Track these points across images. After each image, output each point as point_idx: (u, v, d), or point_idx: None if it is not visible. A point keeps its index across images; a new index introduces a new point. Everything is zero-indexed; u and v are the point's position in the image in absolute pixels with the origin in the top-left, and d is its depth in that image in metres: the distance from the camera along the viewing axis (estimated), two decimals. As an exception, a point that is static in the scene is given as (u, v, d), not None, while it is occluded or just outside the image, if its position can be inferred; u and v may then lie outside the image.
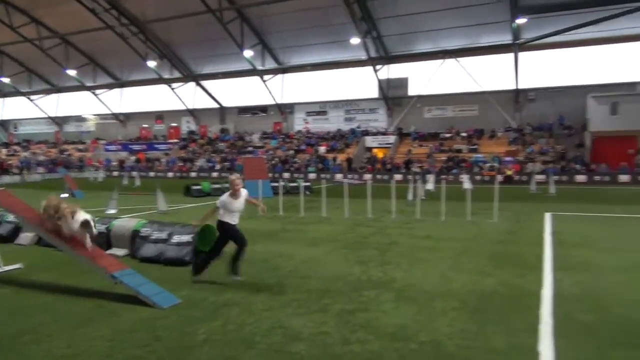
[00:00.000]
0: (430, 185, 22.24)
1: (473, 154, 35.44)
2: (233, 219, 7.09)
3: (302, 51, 41.55)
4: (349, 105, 44.06)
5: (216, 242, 7.18)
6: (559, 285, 6.95)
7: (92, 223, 6.57)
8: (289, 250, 9.46)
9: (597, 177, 29.62)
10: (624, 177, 29.26)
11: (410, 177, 25.94)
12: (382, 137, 40.97)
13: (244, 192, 7.19)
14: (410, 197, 18.36)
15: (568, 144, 34.47)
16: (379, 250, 9.44)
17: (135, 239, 8.97)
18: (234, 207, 7.07)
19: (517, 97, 38.28)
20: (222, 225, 7.08)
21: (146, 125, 52.27)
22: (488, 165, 32.82)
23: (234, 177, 7.19)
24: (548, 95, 37.62)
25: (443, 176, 29.30)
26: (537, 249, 9.53)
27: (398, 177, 30.88)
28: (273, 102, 45.79)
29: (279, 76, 44.51)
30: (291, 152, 41.43)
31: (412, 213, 14.59)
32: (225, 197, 7.10)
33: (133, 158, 47.38)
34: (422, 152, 37.45)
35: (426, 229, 12.01)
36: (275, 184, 21.30)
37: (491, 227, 12.24)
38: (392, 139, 40.19)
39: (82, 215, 6.57)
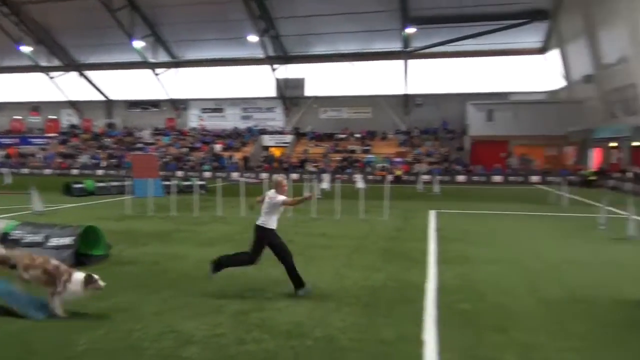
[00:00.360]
0: (325, 185, 22.78)
1: (366, 155, 36.89)
2: (274, 224, 6.60)
3: (198, 46, 40.31)
4: (246, 104, 43.64)
5: (256, 247, 6.53)
6: (442, 277, 7.48)
7: None
8: (182, 252, 9.13)
9: (475, 178, 32.36)
10: (497, 178, 32.31)
11: (306, 176, 26.34)
12: (279, 136, 41.12)
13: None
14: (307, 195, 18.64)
15: (451, 147, 37.26)
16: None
17: (4, 242, 8.07)
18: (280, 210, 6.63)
19: (407, 101, 40.57)
20: (264, 230, 6.51)
21: (19, 117, 47.32)
22: (380, 165, 34.37)
23: (281, 177, 6.86)
24: (433, 101, 40.35)
25: (338, 175, 30.18)
26: (422, 244, 10.17)
27: (294, 176, 31.20)
28: (166, 97, 43.87)
29: (173, 70, 42.76)
30: (185, 149, 40.02)
31: (307, 212, 14.77)
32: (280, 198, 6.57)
33: (2, 153, 42.65)
34: (318, 151, 38.19)
35: (321, 227, 12.25)
36: (168, 183, 20.49)
37: (382, 225, 12.81)
38: (289, 138, 40.51)
39: None
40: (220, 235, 11.01)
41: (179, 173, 34.73)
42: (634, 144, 26.73)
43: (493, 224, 13.24)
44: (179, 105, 44.28)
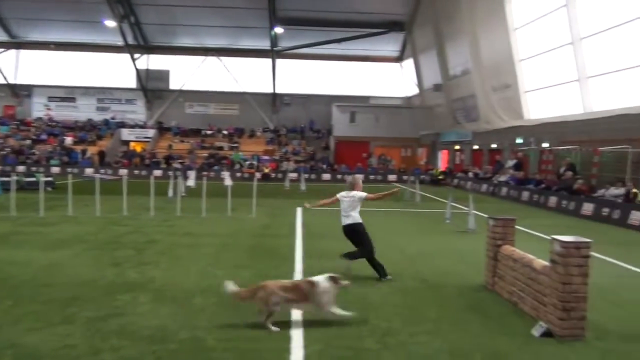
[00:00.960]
0: (191, 182, 22.05)
1: (234, 152, 36.50)
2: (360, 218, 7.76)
3: (45, 26, 36.21)
4: (103, 94, 40.40)
5: (364, 238, 7.60)
6: (308, 271, 7.69)
7: None
8: (24, 256, 8.13)
9: (339, 176, 33.83)
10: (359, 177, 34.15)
11: (170, 173, 25.21)
12: (140, 130, 38.81)
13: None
14: (170, 193, 17.99)
15: (316, 146, 38.51)
16: (135, 249, 8.91)
17: None
18: None
19: (274, 100, 41.00)
20: (360, 225, 7.79)
21: None
22: (248, 162, 34.25)
23: (358, 177, 8.08)
24: (301, 101, 41.35)
25: (204, 172, 29.40)
26: (290, 240, 10.36)
27: (158, 173, 29.69)
28: (3, 82, 38.73)
29: (12, 51, 37.91)
30: (28, 141, 35.73)
31: (172, 210, 14.24)
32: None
33: None
34: (183, 147, 36.85)
35: (187, 226, 11.86)
36: (6, 179, 18.11)
37: (250, 222, 12.79)
38: (151, 132, 38.42)
39: None
40: (71, 236, 10.05)
41: (21, 168, 30.90)
42: (474, 147, 30.25)
43: (384, 220, 13.99)
44: (20, 92, 39.40)
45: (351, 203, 7.58)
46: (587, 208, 15.82)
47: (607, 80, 18.99)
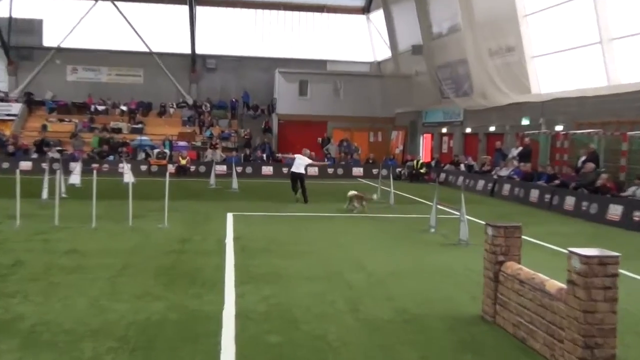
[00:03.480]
0: (75, 178, 21.45)
1: (137, 136, 35.85)
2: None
3: None
4: (-57, 52, 38.76)
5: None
6: (243, 302, 7.63)
7: None
8: None
9: (284, 169, 33.76)
10: (313, 170, 34.27)
11: (45, 165, 24.46)
12: (1, 104, 37.54)
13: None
14: (45, 194, 17.67)
15: (253, 128, 38.40)
16: (-6, 275, 8.60)
17: None
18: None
19: (194, 64, 40.57)
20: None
21: None
22: (157, 151, 33.70)
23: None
24: (231, 66, 41.12)
25: (94, 165, 28.66)
26: (217, 259, 10.27)
27: (26, 165, 28.71)
28: None
29: None
30: None
31: (48, 218, 13.91)
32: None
33: None
34: (63, 129, 36.00)
35: (69, 241, 11.62)
36: None
37: (160, 235, 12.62)
38: (16, 108, 37.36)
39: None
40: None
41: None
42: (466, 130, 30.97)
43: (308, 230, 14.05)
44: None
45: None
46: (614, 211, 16.46)
47: (637, 43, 19.76)
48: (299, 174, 19.55)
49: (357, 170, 33.50)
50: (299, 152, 21.34)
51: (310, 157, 20.25)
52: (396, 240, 12.97)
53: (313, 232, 13.82)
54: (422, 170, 31.15)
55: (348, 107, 37.48)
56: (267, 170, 33.12)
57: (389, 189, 20.59)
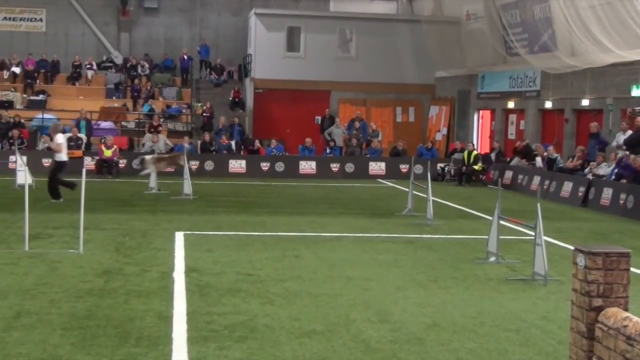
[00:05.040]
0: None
1: (37, 113, 35.79)
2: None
3: None
4: None
5: None
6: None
7: None
8: None
9: (264, 164, 33.78)
10: (307, 165, 34.23)
11: None
12: None
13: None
14: None
15: (217, 101, 38.36)
16: None
17: None
18: None
19: (124, 2, 40.46)
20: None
21: None
22: (67, 136, 33.67)
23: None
24: (182, 5, 41.06)
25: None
26: (160, 303, 10.22)
27: None
28: None
29: None
30: None
31: None
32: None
33: None
34: None
35: None
36: None
37: (72, 265, 12.59)
38: None
39: None
40: None
41: None
42: (546, 105, 30.92)
43: (300, 258, 14.01)
44: None
45: None
46: None
47: None
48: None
49: (377, 167, 33.46)
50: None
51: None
52: (436, 274, 12.90)
53: (308, 260, 13.77)
54: (476, 167, 31.06)
55: (363, 69, 37.47)
56: (238, 165, 33.07)
57: (424, 196, 20.54)
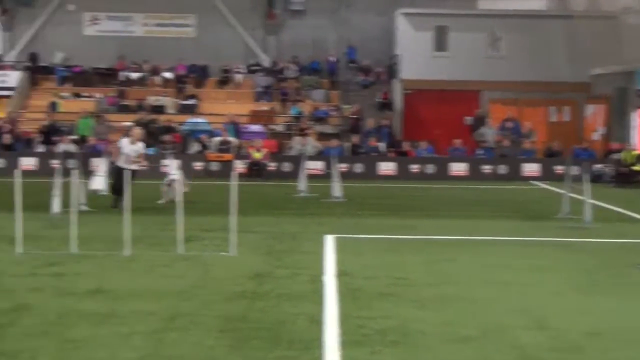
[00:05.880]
0: (99, 182, 22.24)
1: (188, 117, 36.63)
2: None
3: None
4: None
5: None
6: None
7: None
8: None
9: (414, 167, 33.66)
10: (458, 167, 33.95)
11: (56, 163, 25.42)
12: (-10, 73, 39.51)
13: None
14: (56, 207, 18.05)
15: (365, 103, 38.44)
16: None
17: None
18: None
19: (271, 6, 41.01)
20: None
21: None
22: (218, 139, 34.36)
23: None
24: (328, 6, 41.31)
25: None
26: (312, 306, 10.27)
27: (29, 162, 30.11)
28: None
29: None
30: None
31: (61, 241, 14.43)
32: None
33: None
34: (81, 108, 37.06)
35: (93, 276, 11.94)
36: None
37: (225, 268, 12.82)
38: (13, 78, 39.00)
39: None
40: None
41: None
42: None
43: (453, 262, 13.88)
44: None
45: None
46: None
47: None
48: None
49: (531, 168, 32.95)
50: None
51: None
52: (596, 280, 12.57)
53: (461, 264, 13.64)
54: (636, 168, 30.27)
55: (513, 67, 36.88)
56: (387, 168, 33.10)
57: (581, 198, 20.07)
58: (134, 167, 19.46)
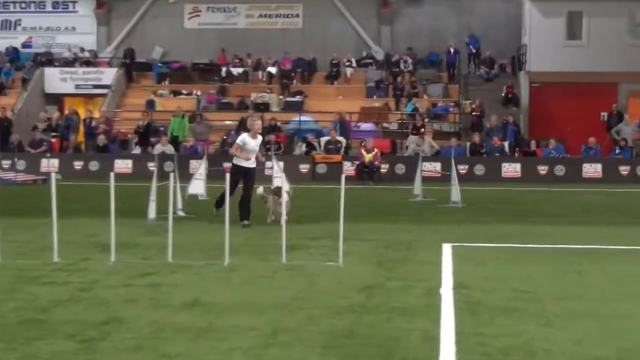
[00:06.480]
0: (198, 186, 22.55)
1: (294, 115, 36.89)
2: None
3: None
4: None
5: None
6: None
7: None
8: None
9: (541, 168, 33.23)
10: (592, 168, 33.36)
11: (153, 166, 25.90)
12: (86, 69, 40.45)
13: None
14: (152, 212, 18.48)
15: (487, 97, 38.14)
16: (77, 340, 9.24)
17: None
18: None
19: (385, -8, 41.10)
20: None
21: None
22: (326, 139, 34.55)
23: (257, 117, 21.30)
24: (447, -7, 41.18)
25: (227, 164, 29.94)
26: (427, 322, 10.21)
27: (124, 165, 30.78)
28: None
29: None
30: None
31: (157, 250, 14.80)
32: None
33: None
34: (179, 107, 37.69)
35: (190, 287, 12.13)
36: None
37: (332, 279, 12.85)
38: (109, 75, 39.91)
39: None
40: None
41: None
42: None
43: (584, 274, 13.66)
44: None
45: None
46: None
47: None
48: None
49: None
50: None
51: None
52: None
53: (593, 277, 13.45)
54: None
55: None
56: (512, 169, 32.80)
57: None
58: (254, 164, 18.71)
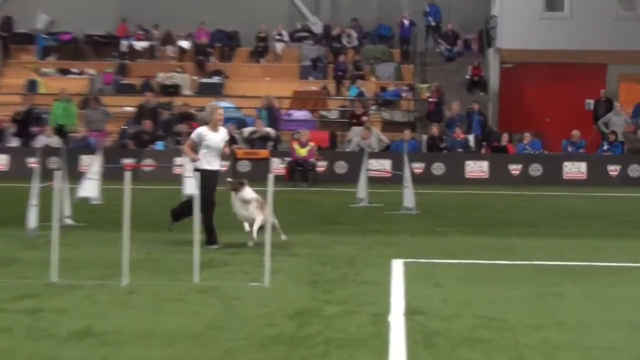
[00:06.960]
0: (90, 188, 22.52)
1: (210, 99, 36.87)
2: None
3: None
4: None
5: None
6: None
7: None
8: None
9: (514, 167, 33.60)
10: (575, 167, 33.77)
11: (34, 162, 25.72)
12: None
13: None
14: (33, 221, 18.34)
15: (448, 79, 38.52)
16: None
17: None
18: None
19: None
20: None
21: None
22: (249, 130, 34.62)
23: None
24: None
25: (127, 161, 29.84)
26: (372, 356, 10.30)
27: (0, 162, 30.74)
28: None
29: None
30: None
31: (39, 267, 14.70)
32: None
33: None
34: (68, 88, 37.53)
35: (80, 313, 12.08)
36: None
37: (256, 303, 12.83)
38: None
39: None
40: None
41: None
42: None
43: (564, 297, 13.87)
44: None
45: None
46: None
47: None
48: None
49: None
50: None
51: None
52: None
53: (575, 300, 13.64)
54: None
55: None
56: (477, 168, 33.13)
57: None
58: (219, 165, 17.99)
